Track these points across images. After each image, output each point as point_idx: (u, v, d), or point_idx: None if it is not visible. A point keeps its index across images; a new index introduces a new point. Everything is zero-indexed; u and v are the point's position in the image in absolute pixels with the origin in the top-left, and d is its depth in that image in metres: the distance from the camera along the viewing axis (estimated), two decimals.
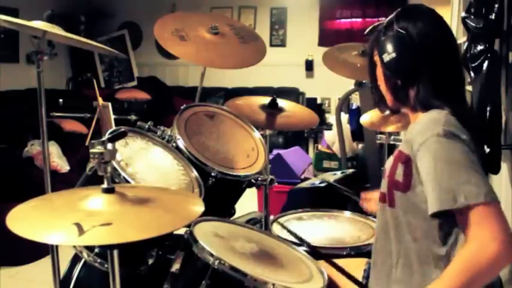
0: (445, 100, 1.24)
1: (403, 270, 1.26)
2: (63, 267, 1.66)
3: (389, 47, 1.26)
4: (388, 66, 1.28)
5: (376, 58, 1.35)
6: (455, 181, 1.09)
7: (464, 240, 1.11)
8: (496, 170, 2.17)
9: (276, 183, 1.99)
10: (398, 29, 1.26)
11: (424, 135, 1.16)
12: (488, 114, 2.14)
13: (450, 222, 1.18)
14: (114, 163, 1.26)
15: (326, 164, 5.20)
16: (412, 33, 1.25)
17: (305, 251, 1.61)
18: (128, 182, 1.46)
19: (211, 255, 1.28)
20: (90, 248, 1.45)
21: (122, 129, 1.15)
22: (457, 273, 1.08)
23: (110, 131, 1.11)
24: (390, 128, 2.72)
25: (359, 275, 1.46)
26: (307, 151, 5.79)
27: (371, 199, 1.79)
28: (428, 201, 1.13)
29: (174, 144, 1.79)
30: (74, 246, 1.50)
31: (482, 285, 1.11)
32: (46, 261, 1.86)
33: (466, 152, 1.12)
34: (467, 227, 1.09)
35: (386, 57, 1.27)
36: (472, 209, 1.07)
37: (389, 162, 1.31)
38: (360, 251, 1.74)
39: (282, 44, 6.56)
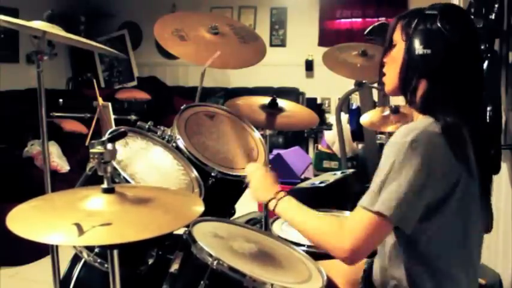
0: (450, 107, 1.20)
1: (395, 270, 1.27)
2: (63, 267, 1.66)
3: (427, 41, 1.21)
4: (416, 58, 1.23)
5: (398, 38, 1.30)
6: (384, 187, 1.14)
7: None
8: (496, 170, 2.17)
9: None
10: (441, 26, 1.21)
11: (396, 138, 1.16)
12: (488, 114, 2.14)
13: (430, 225, 1.18)
14: (114, 163, 1.26)
15: (326, 164, 5.19)
16: (453, 36, 1.20)
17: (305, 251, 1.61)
18: (128, 182, 1.46)
19: (210, 255, 1.28)
20: (90, 248, 1.45)
21: (122, 129, 1.15)
22: (313, 226, 1.25)
23: (110, 131, 1.11)
24: (390, 128, 2.72)
25: (359, 275, 1.46)
26: (307, 151, 5.79)
27: None
28: (365, 194, 1.18)
29: (174, 144, 1.79)
30: (74, 246, 1.50)
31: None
32: (46, 261, 1.86)
33: (416, 171, 1.12)
34: (354, 216, 1.17)
35: (420, 50, 1.22)
36: (368, 212, 1.14)
37: None
38: None
39: (282, 44, 6.56)
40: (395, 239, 1.25)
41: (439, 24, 1.21)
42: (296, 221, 1.31)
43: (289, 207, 1.35)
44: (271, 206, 1.38)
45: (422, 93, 1.25)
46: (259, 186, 1.45)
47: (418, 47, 1.22)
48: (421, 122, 1.20)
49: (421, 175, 1.12)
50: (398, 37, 1.30)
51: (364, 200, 1.16)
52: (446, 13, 1.24)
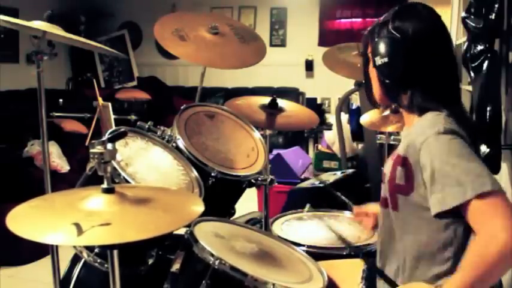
0: (440, 102, 1.23)
1: (411, 271, 1.26)
2: (63, 267, 1.66)
3: (382, 50, 1.24)
4: (379, 69, 1.27)
5: (370, 55, 1.34)
6: (461, 174, 1.08)
7: (473, 234, 1.10)
8: (496, 170, 2.17)
9: (276, 183, 1.99)
10: (392, 30, 1.23)
11: (424, 135, 1.16)
12: (488, 114, 2.13)
13: (456, 221, 1.17)
14: (114, 163, 1.26)
15: (326, 164, 5.19)
16: (406, 35, 1.22)
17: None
18: (128, 182, 1.46)
19: (212, 255, 1.28)
20: (90, 248, 1.45)
21: (122, 129, 1.15)
22: (471, 267, 1.06)
23: (110, 131, 1.11)
24: (390, 128, 2.72)
25: (358, 275, 1.46)
26: (307, 151, 5.79)
27: (365, 214, 1.73)
28: (435, 200, 1.12)
29: (174, 144, 1.79)
30: (74, 246, 1.50)
31: (499, 276, 1.09)
32: (46, 261, 1.86)
33: (466, 146, 1.12)
34: (475, 219, 1.08)
35: (378, 61, 1.25)
36: (481, 199, 1.06)
37: (388, 167, 1.31)
38: (360, 251, 1.74)
39: (282, 44, 6.57)
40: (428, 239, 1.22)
41: (390, 29, 1.24)
42: (467, 282, 1.07)
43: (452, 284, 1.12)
44: None
45: (408, 97, 1.27)
46: None
47: (377, 59, 1.26)
48: (432, 116, 1.21)
49: (469, 147, 1.12)
50: (369, 54, 1.34)
51: (454, 196, 1.08)
52: (397, 14, 1.27)
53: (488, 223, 1.05)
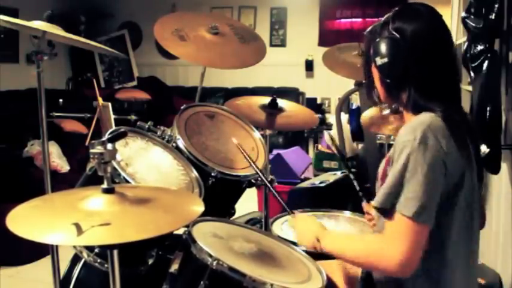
0: (436, 102, 1.23)
1: None
2: (63, 267, 1.66)
3: (382, 51, 1.25)
4: (380, 69, 1.28)
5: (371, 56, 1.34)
6: (403, 189, 1.14)
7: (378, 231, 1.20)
8: (496, 170, 2.17)
9: (276, 183, 1.99)
10: (392, 31, 1.24)
11: (404, 137, 1.17)
12: (488, 114, 2.13)
13: (444, 219, 1.19)
14: (114, 163, 1.26)
15: (326, 164, 5.18)
16: (405, 35, 1.23)
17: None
18: (128, 182, 1.46)
19: (210, 255, 1.28)
20: (90, 248, 1.45)
21: (122, 129, 1.16)
22: (355, 250, 1.24)
23: (110, 131, 1.11)
24: (390, 128, 2.71)
25: (358, 274, 1.47)
26: (307, 151, 5.79)
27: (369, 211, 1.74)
28: (377, 194, 1.19)
29: (174, 144, 1.79)
30: (74, 246, 1.50)
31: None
32: (46, 261, 1.86)
33: (431, 166, 1.13)
34: (389, 227, 1.17)
35: (379, 61, 1.26)
36: (400, 217, 1.14)
37: (381, 167, 1.32)
38: None
39: (282, 44, 6.57)
40: None
41: (390, 29, 1.25)
42: (344, 254, 1.29)
43: (332, 242, 1.34)
44: (317, 247, 1.37)
45: (406, 96, 1.27)
46: (300, 232, 1.46)
47: (377, 59, 1.27)
48: (422, 117, 1.21)
49: (435, 169, 1.13)
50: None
51: (381, 201, 1.17)
52: (397, 14, 1.28)
53: (394, 241, 1.14)
